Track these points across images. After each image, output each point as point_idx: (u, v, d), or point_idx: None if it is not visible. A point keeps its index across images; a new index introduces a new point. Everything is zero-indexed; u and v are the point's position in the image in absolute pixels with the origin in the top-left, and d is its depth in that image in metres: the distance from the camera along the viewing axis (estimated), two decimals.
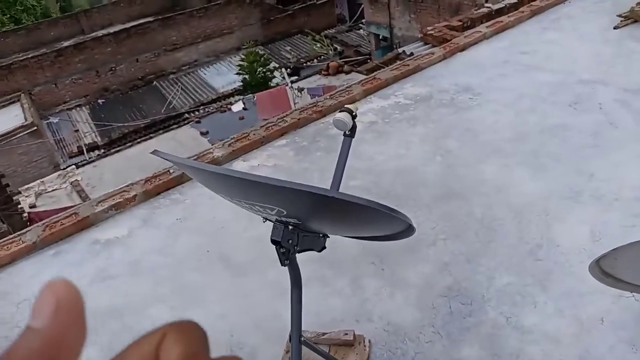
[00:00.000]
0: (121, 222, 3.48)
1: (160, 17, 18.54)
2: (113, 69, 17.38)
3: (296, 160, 3.88)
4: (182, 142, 13.73)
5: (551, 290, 2.42)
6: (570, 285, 2.43)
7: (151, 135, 14.45)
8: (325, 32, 20.94)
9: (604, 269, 1.45)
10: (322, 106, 4.45)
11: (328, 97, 4.58)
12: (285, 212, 1.67)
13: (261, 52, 18.36)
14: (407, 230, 1.74)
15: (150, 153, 1.85)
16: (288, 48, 20.88)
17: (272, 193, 1.56)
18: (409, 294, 2.53)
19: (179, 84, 18.47)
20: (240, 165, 3.92)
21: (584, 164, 3.24)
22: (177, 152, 13.16)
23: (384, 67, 17.48)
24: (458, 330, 2.28)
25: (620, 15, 5.18)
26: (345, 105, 2.21)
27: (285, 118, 4.33)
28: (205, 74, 19.37)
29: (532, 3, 6.31)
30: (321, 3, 22.28)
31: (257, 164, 3.90)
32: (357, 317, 2.44)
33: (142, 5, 22.12)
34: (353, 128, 2.21)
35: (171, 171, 3.82)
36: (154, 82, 18.32)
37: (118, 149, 13.58)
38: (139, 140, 14.15)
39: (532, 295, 2.39)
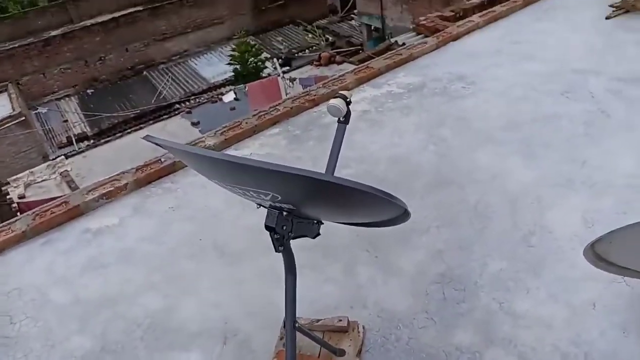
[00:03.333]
0: (112, 211, 3.45)
1: (149, 6, 18.31)
2: (102, 58, 17.17)
3: (289, 149, 3.85)
4: (173, 132, 13.63)
5: (544, 276, 2.43)
6: (563, 271, 2.44)
7: (141, 125, 14.34)
8: (317, 22, 20.84)
9: (598, 253, 1.45)
10: (314, 95, 4.42)
11: (321, 85, 4.55)
12: (279, 198, 1.65)
13: (252, 42, 18.23)
14: (403, 215, 1.74)
15: (142, 138, 1.83)
16: (280, 38, 20.75)
17: (267, 177, 1.55)
18: (402, 281, 2.53)
19: (170, 74, 18.31)
20: (232, 154, 3.89)
21: (576, 152, 3.25)
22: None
23: (375, 57, 17.33)
24: (451, 315, 2.29)
25: (612, 6, 5.19)
26: (339, 92, 2.19)
27: (277, 107, 4.30)
28: (196, 64, 19.21)
29: None
30: None
31: (250, 152, 3.87)
32: (351, 304, 2.44)
33: None
34: (347, 114, 2.20)
35: (162, 160, 3.78)
36: (144, 72, 18.15)
37: (108, 139, 13.47)
38: (129, 130, 14.03)
39: (525, 281, 2.40)
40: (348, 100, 2.19)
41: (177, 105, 15.75)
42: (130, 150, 12.97)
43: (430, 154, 3.53)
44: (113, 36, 17.25)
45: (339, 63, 16.43)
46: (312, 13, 21.37)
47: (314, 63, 16.77)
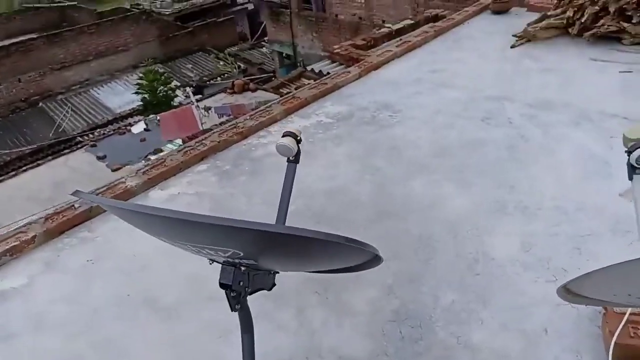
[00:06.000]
0: (19, 268, 3.00)
1: (45, 33, 17.05)
2: None
3: (220, 186, 3.64)
4: (76, 168, 12.62)
5: (493, 305, 2.44)
6: (510, 298, 2.47)
7: (39, 162, 13.13)
8: (228, 49, 20.66)
9: (569, 288, 1.44)
10: (242, 127, 4.26)
11: (248, 117, 4.40)
12: (241, 254, 1.48)
13: (161, 70, 17.62)
14: (373, 260, 1.63)
15: (71, 195, 1.57)
16: (189, 66, 20.26)
17: (231, 235, 1.37)
18: (357, 322, 2.42)
19: (69, 104, 17.07)
20: (157, 195, 3.60)
21: (504, 176, 3.39)
22: (71, 179, 12.05)
23: (289, 85, 17.59)
24: (411, 356, 2.21)
25: (515, 35, 5.62)
26: (288, 130, 2.07)
27: (204, 141, 4.07)
28: (99, 94, 18.10)
29: (435, 24, 6.66)
30: (221, 20, 21.97)
31: (177, 192, 3.60)
32: (306, 354, 2.28)
33: (23, 21, 20.26)
34: (298, 153, 2.08)
35: (76, 205, 3.39)
36: (40, 104, 16.75)
37: (1, 178, 12.13)
38: (24, 168, 12.77)
39: (477, 312, 2.40)
40: (298, 138, 2.07)
41: (80, 139, 14.66)
42: (27, 189, 11.81)
43: (367, 184, 3.50)
44: (3, 66, 15.79)
45: (253, 90, 16.35)
46: (221, 40, 21.16)
47: (228, 91, 16.53)
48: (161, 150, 12.37)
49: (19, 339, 2.54)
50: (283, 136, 2.05)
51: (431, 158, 3.69)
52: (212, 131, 4.26)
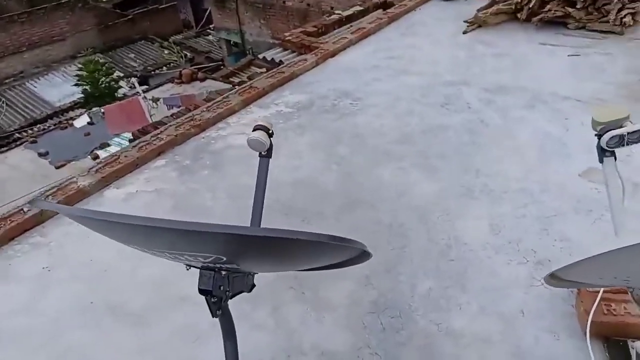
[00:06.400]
0: None
1: None
2: None
3: (181, 182, 3.48)
4: (17, 166, 11.86)
5: (470, 289, 2.47)
6: (485, 281, 2.51)
7: None
8: (173, 38, 19.93)
9: (557, 275, 1.46)
10: (199, 120, 4.09)
11: (205, 109, 4.23)
12: (224, 259, 1.39)
13: (102, 61, 16.75)
14: (362, 256, 1.58)
15: (28, 204, 1.41)
16: (132, 55, 19.40)
17: (213, 240, 1.28)
18: (337, 316, 2.38)
19: (3, 99, 15.95)
20: (113, 194, 3.40)
21: (468, 161, 3.44)
22: (11, 178, 11.31)
23: (240, 73, 17.21)
24: (394, 346, 2.20)
25: (466, 21, 5.71)
26: (259, 123, 1.97)
27: (160, 135, 3.88)
28: (35, 87, 17.02)
29: (387, 11, 6.66)
30: (163, 7, 21.14)
31: (135, 190, 3.42)
32: (287, 352, 2.22)
33: None
34: (270, 147, 1.99)
35: (25, 209, 3.15)
36: None
37: None
38: None
39: (455, 297, 2.42)
40: (270, 132, 1.98)
41: (18, 135, 13.76)
42: None
43: (333, 174, 3.45)
44: None
45: (202, 80, 15.90)
46: (164, 28, 20.36)
47: (175, 81, 15.99)
48: (108, 145, 11.82)
49: None
50: (254, 130, 1.96)
51: (395, 145, 3.69)
52: (168, 124, 4.07)
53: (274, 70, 4.96)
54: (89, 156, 11.59)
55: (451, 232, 2.84)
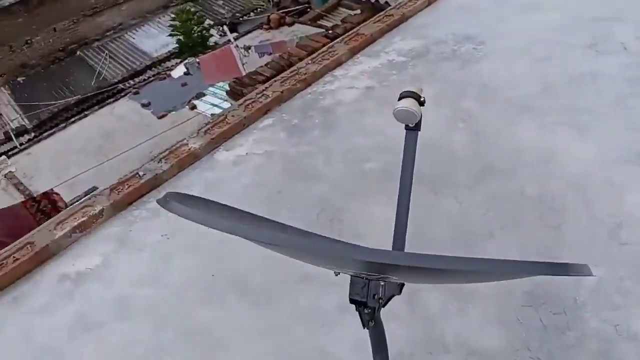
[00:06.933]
0: (91, 247, 2.79)
1: None
2: (29, 41, 15.46)
3: (292, 144, 3.26)
4: (123, 116, 12.50)
5: None
6: None
7: (85, 112, 13.08)
8: None
9: None
10: (305, 73, 3.79)
11: (310, 61, 3.92)
12: (375, 274, 1.15)
13: (192, 9, 16.87)
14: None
15: (159, 201, 1.22)
16: (221, 2, 19.36)
17: (356, 263, 1.03)
18: (483, 307, 2.08)
19: (106, 51, 16.75)
20: (224, 157, 3.26)
21: (630, 116, 2.85)
22: (118, 129, 11.93)
23: (327, 16, 16.46)
24: (561, 349, 1.86)
25: None
26: (408, 89, 1.63)
27: (265, 92, 3.65)
28: (134, 39, 17.65)
29: None
30: None
31: (245, 152, 3.26)
32: (429, 348, 1.97)
33: None
34: (420, 119, 1.65)
35: (141, 174, 3.11)
36: (78, 52, 16.51)
37: (51, 131, 12.22)
38: (72, 119, 12.78)
39: (635, 292, 2.00)
40: (422, 99, 1.63)
41: (122, 86, 14.45)
42: (78, 141, 11.83)
43: (461, 134, 3.03)
44: (37, 16, 15.50)
45: (290, 24, 15.51)
46: None
47: (264, 27, 15.73)
48: (203, 95, 12.05)
49: (105, 328, 2.35)
50: (401, 98, 1.62)
51: (533, 98, 3.16)
52: (272, 80, 3.82)
53: (382, 13, 4.47)
54: (187, 106, 11.92)
55: (620, 208, 2.36)
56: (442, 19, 4.26)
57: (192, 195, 1.47)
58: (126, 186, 3.07)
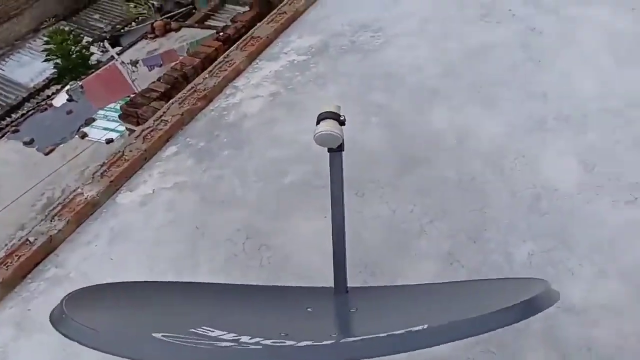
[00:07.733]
0: None
1: None
2: None
3: (201, 170, 2.97)
4: (4, 160, 11.21)
5: (577, 248, 2.06)
6: (593, 234, 2.10)
7: None
8: None
9: None
10: (204, 89, 3.50)
11: (207, 75, 3.62)
12: None
13: (67, 28, 15.56)
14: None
15: (53, 318, 0.95)
16: (97, 16, 18.06)
17: None
18: None
19: None
20: (128, 198, 2.91)
21: (530, 83, 2.90)
22: (3, 174, 10.63)
23: (214, 15, 15.85)
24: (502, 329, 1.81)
25: None
26: (325, 110, 1.45)
27: (163, 117, 3.32)
28: (3, 70, 15.99)
29: None
30: None
31: (151, 189, 2.92)
32: None
33: None
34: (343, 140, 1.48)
35: (32, 239, 2.69)
36: None
37: None
38: None
39: (563, 261, 2.01)
40: (342, 118, 1.47)
41: None
42: None
43: (375, 129, 2.93)
44: None
45: (177, 30, 14.85)
46: None
47: (148, 36, 14.91)
48: (93, 120, 11.17)
49: None
50: (319, 120, 1.44)
51: (438, 79, 3.13)
52: (170, 102, 3.49)
53: (274, 12, 4.25)
54: (77, 135, 10.97)
55: (535, 179, 2.37)
56: (336, 10, 4.13)
57: (103, 287, 1.20)
58: (15, 257, 2.63)
